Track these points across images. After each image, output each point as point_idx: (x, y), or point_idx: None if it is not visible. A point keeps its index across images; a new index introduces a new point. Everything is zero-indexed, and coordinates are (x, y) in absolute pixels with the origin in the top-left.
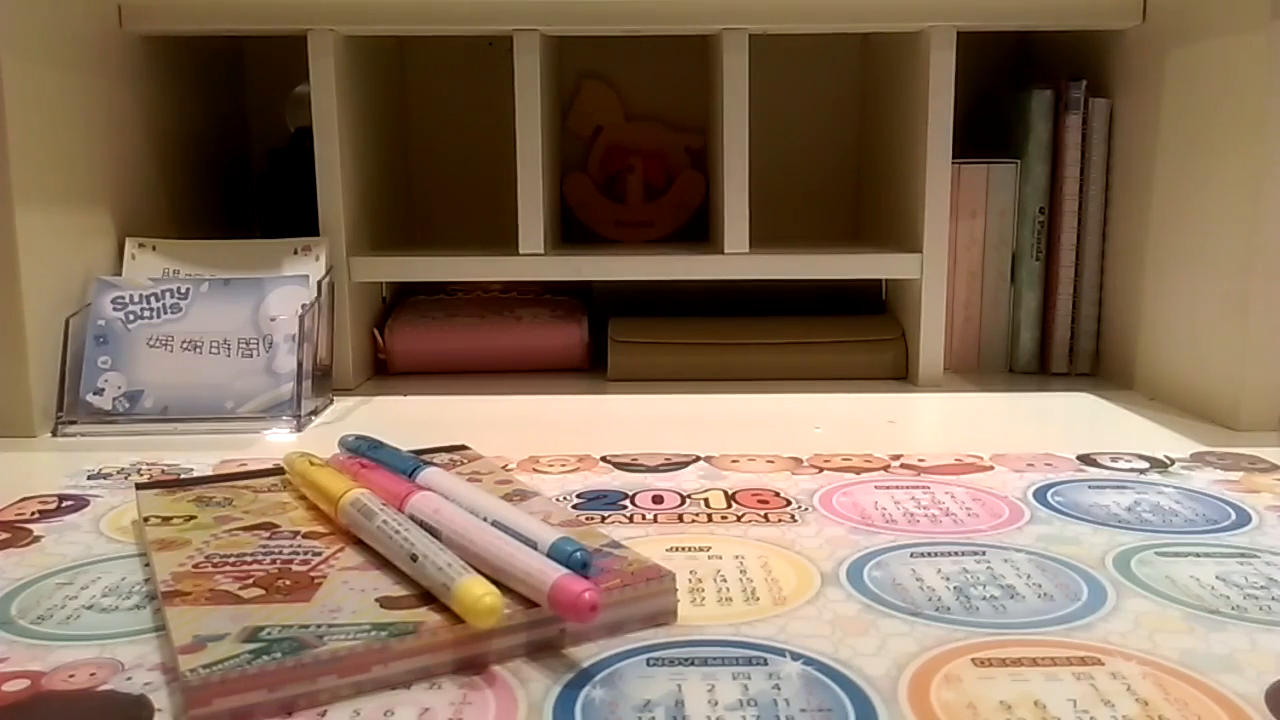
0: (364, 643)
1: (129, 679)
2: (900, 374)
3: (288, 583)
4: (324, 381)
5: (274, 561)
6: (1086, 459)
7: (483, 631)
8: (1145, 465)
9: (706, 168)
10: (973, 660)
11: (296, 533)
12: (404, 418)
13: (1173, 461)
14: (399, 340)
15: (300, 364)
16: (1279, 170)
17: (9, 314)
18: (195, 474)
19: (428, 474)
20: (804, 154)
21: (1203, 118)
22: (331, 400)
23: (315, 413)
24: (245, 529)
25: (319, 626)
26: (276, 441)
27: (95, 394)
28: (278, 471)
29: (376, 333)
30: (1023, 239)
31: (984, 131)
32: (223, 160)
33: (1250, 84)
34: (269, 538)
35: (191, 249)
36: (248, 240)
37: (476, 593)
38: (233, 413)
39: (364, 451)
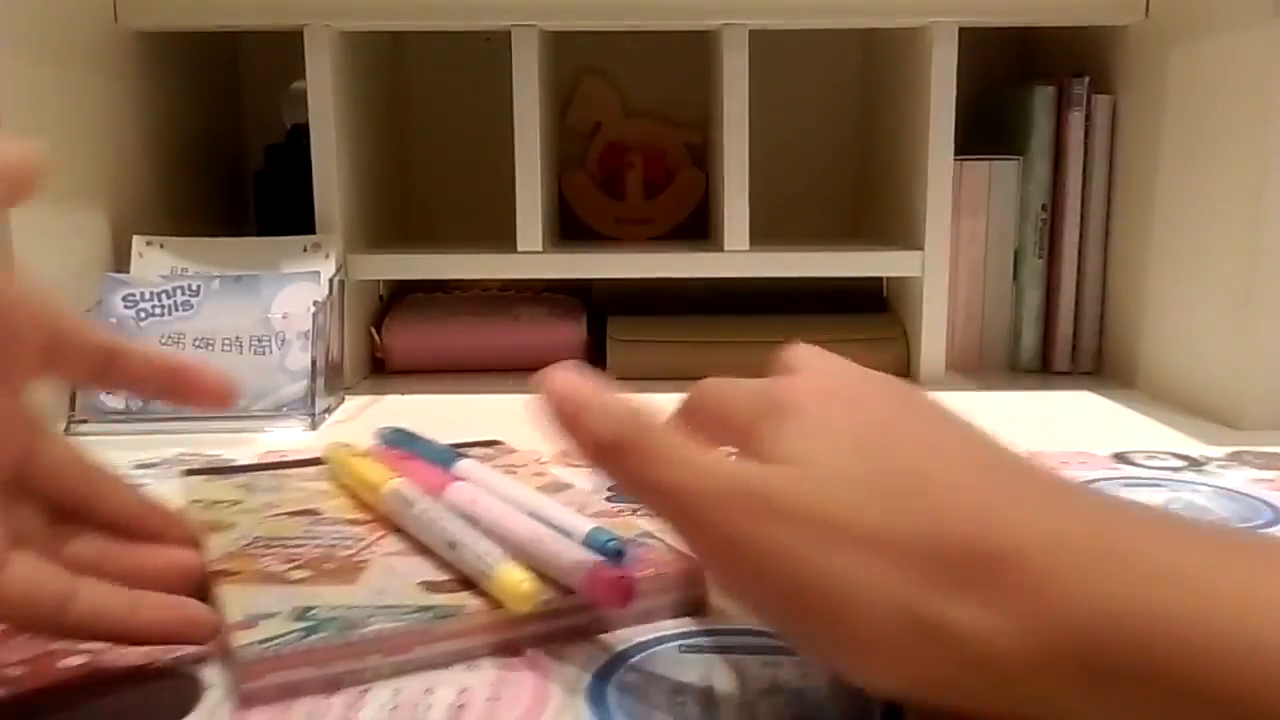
0: (408, 624)
1: (180, 655)
2: (902, 372)
3: (333, 566)
4: (335, 379)
5: (318, 546)
6: (1121, 457)
7: (521, 616)
8: (1181, 463)
9: (706, 164)
10: None
11: (339, 519)
12: (413, 416)
13: (1205, 460)
14: (397, 339)
15: (314, 361)
16: None
17: None
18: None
19: (463, 465)
20: (805, 151)
21: (1206, 114)
22: (343, 398)
23: (329, 410)
24: (289, 514)
25: (366, 608)
26: (292, 440)
27: (108, 393)
28: (317, 462)
29: (374, 331)
30: (1025, 236)
31: (986, 128)
32: (219, 157)
33: (1254, 80)
34: (313, 523)
35: (199, 246)
36: (256, 238)
37: (515, 578)
38: (246, 411)
39: (401, 444)
